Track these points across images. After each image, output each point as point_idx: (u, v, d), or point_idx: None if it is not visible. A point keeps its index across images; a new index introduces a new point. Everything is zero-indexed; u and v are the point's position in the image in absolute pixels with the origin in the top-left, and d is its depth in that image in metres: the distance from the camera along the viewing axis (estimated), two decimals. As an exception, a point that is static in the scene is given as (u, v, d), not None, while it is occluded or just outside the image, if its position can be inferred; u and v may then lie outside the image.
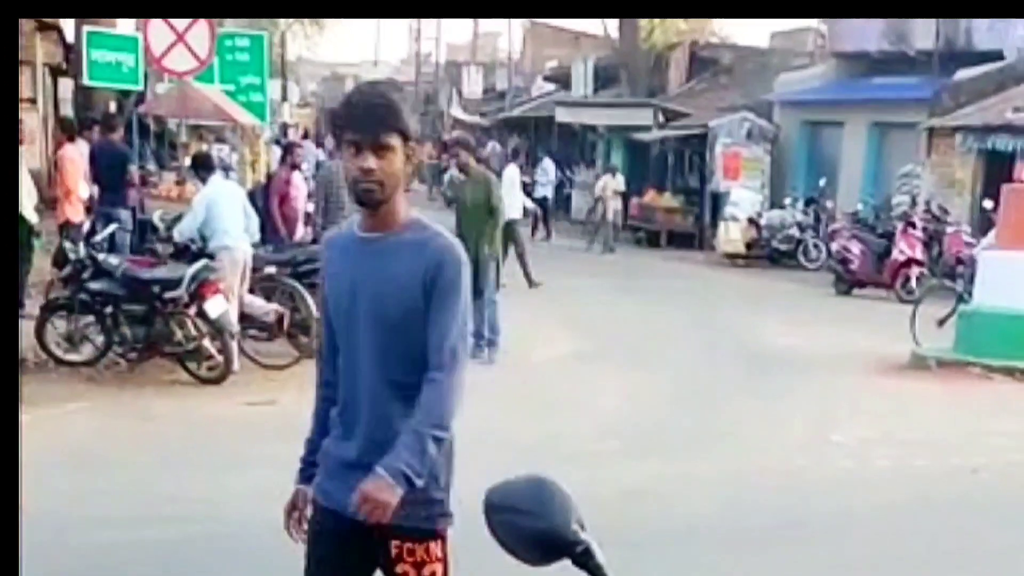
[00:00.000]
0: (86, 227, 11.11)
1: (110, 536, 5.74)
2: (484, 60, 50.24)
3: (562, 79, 35.88)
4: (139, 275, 9.33)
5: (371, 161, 2.79)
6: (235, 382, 9.32)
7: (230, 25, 19.40)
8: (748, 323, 13.95)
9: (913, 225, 17.11)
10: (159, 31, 13.34)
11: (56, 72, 21.59)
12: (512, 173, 18.05)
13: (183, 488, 6.59)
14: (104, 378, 9.40)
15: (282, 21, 34.94)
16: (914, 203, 18.53)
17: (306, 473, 3.05)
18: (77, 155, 13.04)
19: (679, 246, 24.05)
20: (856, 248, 17.43)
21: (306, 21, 37.46)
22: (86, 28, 15.72)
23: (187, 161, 15.18)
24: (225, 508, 6.24)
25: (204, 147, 19.74)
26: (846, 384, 10.55)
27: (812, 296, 17.33)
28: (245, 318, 9.79)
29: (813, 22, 28.73)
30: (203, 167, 10.44)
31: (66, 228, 11.88)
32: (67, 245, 9.79)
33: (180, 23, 13.21)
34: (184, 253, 9.95)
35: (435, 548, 2.90)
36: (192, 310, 9.16)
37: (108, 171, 13.10)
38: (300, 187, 13.08)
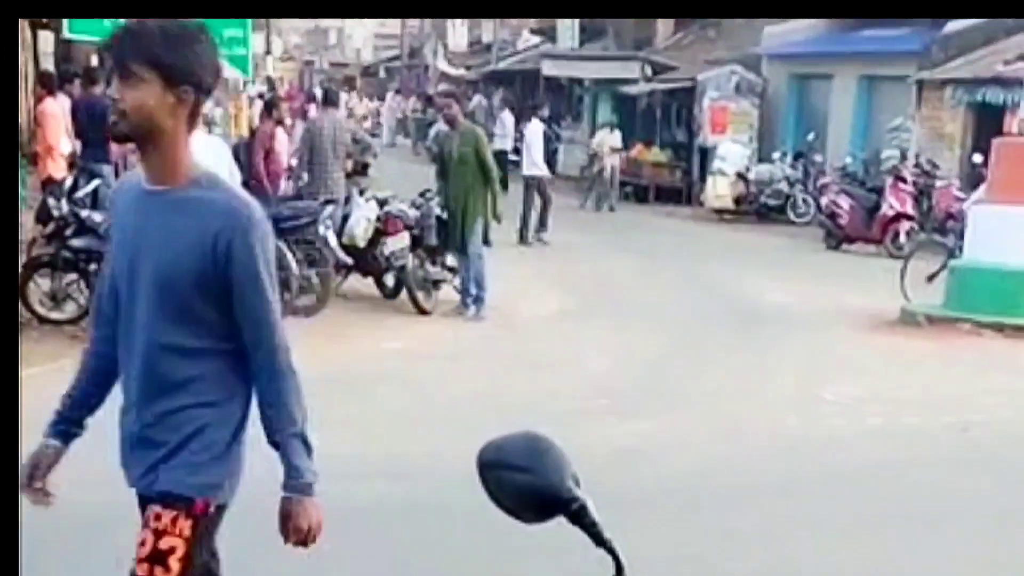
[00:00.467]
0: (68, 183, 10.96)
1: (92, 496, 5.67)
2: (470, 12, 49.80)
3: (548, 32, 35.57)
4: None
5: (118, 90, 2.62)
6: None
7: None
8: (737, 279, 13.90)
9: (903, 179, 17.03)
10: (139, -20, 13.14)
11: (35, 25, 21.27)
12: (536, 128, 17.69)
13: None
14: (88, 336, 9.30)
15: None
16: (904, 157, 18.38)
17: (57, 427, 2.90)
18: (58, 110, 12.83)
19: (667, 201, 23.88)
20: (845, 203, 17.35)
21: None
22: (66, -20, 15.47)
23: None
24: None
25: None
26: (836, 340, 10.53)
27: (801, 251, 17.28)
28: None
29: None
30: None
31: (48, 184, 11.73)
32: (50, 202, 9.68)
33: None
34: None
35: (183, 522, 2.67)
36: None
37: (90, 126, 12.86)
38: (283, 142, 12.97)
